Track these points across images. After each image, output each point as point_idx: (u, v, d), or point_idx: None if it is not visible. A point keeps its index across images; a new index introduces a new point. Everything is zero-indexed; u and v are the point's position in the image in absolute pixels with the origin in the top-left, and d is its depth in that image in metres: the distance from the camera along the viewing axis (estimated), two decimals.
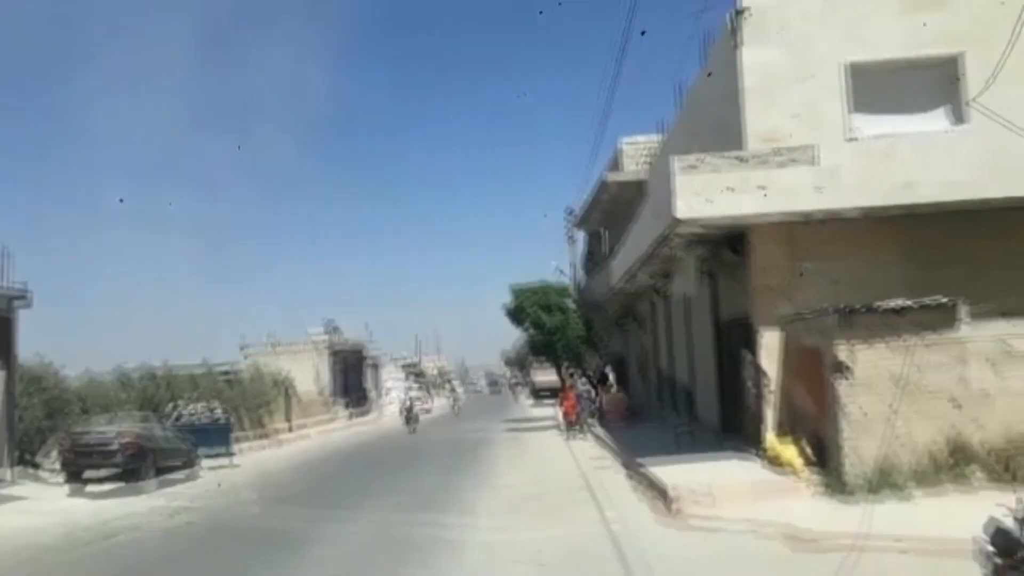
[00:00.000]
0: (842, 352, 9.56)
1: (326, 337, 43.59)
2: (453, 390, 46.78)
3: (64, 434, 17.38)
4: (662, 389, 22.69)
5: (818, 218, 11.33)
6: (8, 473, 17.16)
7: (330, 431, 33.39)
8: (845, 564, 6.59)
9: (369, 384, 53.22)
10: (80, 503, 14.59)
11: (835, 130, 11.58)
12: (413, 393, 45.16)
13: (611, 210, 26.07)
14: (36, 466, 18.38)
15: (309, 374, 39.49)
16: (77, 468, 15.88)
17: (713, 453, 13.03)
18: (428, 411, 42.55)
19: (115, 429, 16.42)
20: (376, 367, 57.24)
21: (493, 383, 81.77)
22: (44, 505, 14.37)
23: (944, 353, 9.68)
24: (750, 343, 12.55)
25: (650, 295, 22.09)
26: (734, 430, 14.13)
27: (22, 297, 17.74)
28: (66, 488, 15.94)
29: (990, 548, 3.78)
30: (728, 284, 14.07)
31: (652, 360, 24.32)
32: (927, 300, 9.67)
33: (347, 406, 43.06)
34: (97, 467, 15.77)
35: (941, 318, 9.71)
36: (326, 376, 41.56)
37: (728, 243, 12.86)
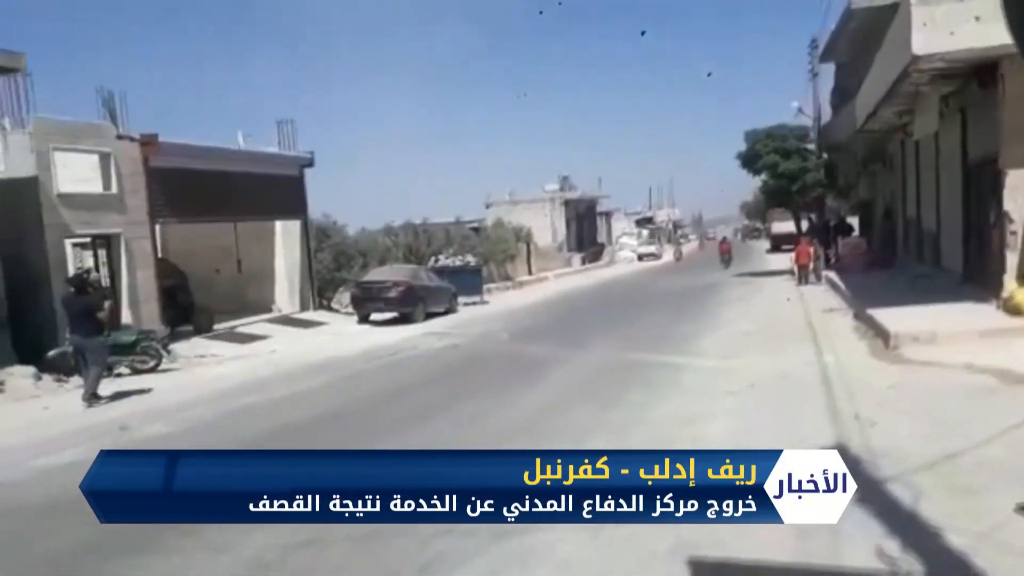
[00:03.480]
0: None
1: (561, 192, 45.48)
2: (678, 242, 46.43)
3: (353, 280, 21.08)
4: (908, 236, 21.52)
5: None
6: (312, 310, 21.12)
7: (565, 278, 35.73)
8: None
9: (602, 235, 54.99)
10: (367, 329, 18.01)
11: None
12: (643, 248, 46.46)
13: (859, 39, 23.93)
14: (330, 307, 22.33)
15: (546, 227, 41.94)
16: (364, 308, 19.28)
17: (949, 300, 12.75)
18: (657, 257, 44.52)
19: (391, 276, 19.52)
20: (608, 219, 58.70)
21: (753, 230, 79.51)
22: (342, 330, 17.96)
23: None
24: (998, 185, 11.82)
25: (899, 135, 20.59)
26: (976, 278, 13.54)
27: (309, 162, 21.07)
28: (355, 320, 19.49)
29: None
30: (979, 121, 13.06)
31: (899, 205, 22.92)
32: None
33: (581, 256, 45.28)
34: (379, 308, 19.04)
35: None
36: (561, 228, 43.76)
37: (977, 77, 11.90)
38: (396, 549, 4.67)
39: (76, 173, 14.12)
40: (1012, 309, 10.65)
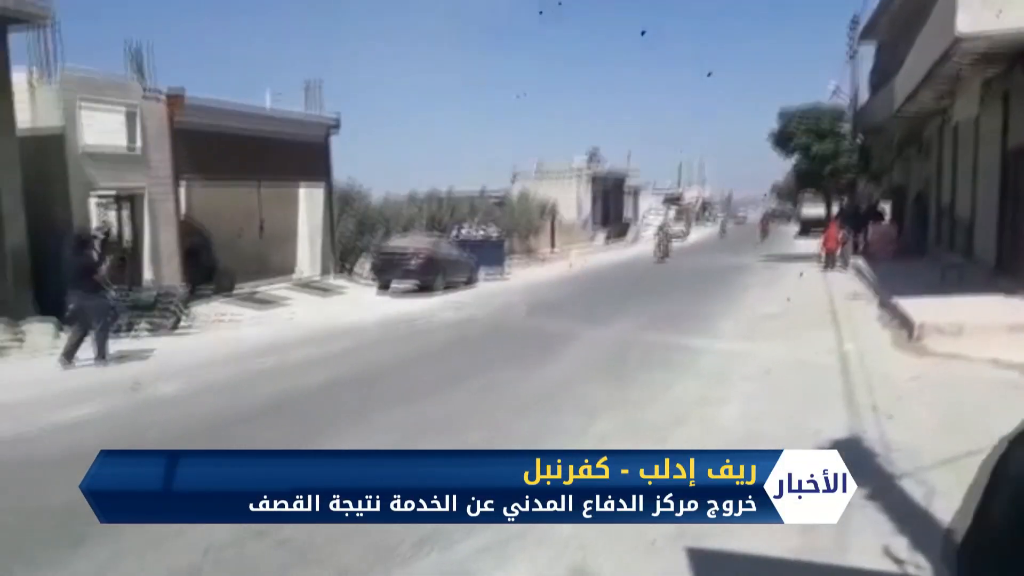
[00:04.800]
0: None
1: (589, 166, 45.00)
2: (665, 233, 43.58)
3: (374, 248, 21.06)
4: (940, 224, 21.01)
5: None
6: (332, 276, 21.16)
7: (589, 255, 35.48)
8: None
9: (628, 212, 54.50)
10: (386, 298, 18.02)
11: None
12: (668, 225, 45.54)
13: (901, 19, 23.24)
14: (351, 274, 22.33)
15: (572, 202, 41.58)
16: (384, 277, 19.26)
17: (979, 292, 12.42)
18: (683, 236, 44.22)
19: (413, 245, 19.44)
20: (636, 196, 58.12)
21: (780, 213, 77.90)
22: (362, 298, 18.02)
23: None
24: None
25: (937, 119, 20.02)
26: (1009, 270, 13.17)
27: (335, 125, 20.96)
28: (375, 288, 19.49)
29: None
30: (1022, 107, 12.61)
31: (933, 192, 22.36)
32: None
33: (606, 233, 44.91)
34: (399, 277, 19.01)
35: None
36: (587, 203, 43.40)
37: (1022, 61, 11.45)
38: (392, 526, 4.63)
39: (102, 128, 14.16)
40: None
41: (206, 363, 10.17)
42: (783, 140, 31.30)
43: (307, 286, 19.32)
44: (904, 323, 10.89)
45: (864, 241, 24.31)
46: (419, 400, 7.68)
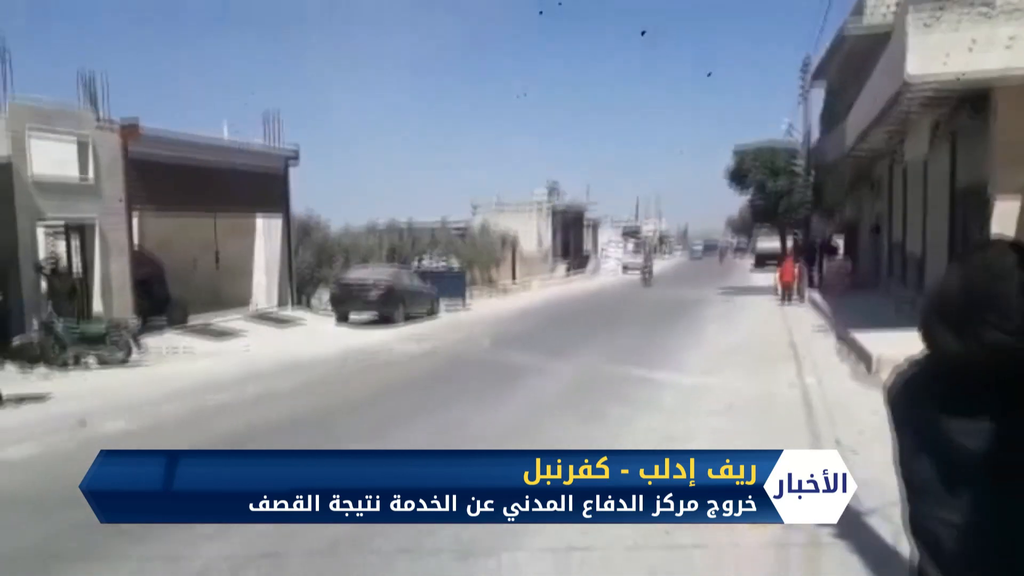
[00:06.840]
0: None
1: (549, 199, 45.33)
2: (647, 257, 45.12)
3: (333, 279, 20.78)
4: (892, 259, 21.55)
5: None
6: (290, 307, 20.79)
7: (549, 286, 35.58)
8: None
9: (588, 245, 54.93)
10: (345, 330, 17.72)
11: None
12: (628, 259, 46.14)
13: (851, 63, 24.06)
14: (309, 305, 21.97)
15: (532, 234, 41.77)
16: (344, 308, 18.98)
17: None
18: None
19: (373, 276, 19.22)
20: (595, 229, 58.65)
21: (710, 247, 79.18)
22: (320, 329, 17.70)
23: None
24: (986, 212, 11.79)
25: (887, 158, 20.63)
26: None
27: (294, 157, 20.76)
28: (333, 320, 19.18)
29: None
30: (968, 148, 13.03)
31: (885, 228, 22.98)
32: None
33: (566, 265, 45.16)
34: (359, 308, 18.75)
35: None
36: (547, 235, 43.63)
37: (969, 103, 11.87)
38: (356, 568, 4.45)
39: (52, 158, 13.77)
40: None
41: (158, 399, 9.81)
42: (739, 176, 32.11)
43: (264, 318, 18.94)
44: (862, 356, 11.05)
45: (819, 275, 24.80)
46: (380, 439, 7.48)
